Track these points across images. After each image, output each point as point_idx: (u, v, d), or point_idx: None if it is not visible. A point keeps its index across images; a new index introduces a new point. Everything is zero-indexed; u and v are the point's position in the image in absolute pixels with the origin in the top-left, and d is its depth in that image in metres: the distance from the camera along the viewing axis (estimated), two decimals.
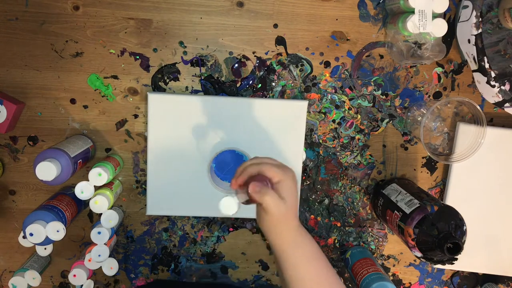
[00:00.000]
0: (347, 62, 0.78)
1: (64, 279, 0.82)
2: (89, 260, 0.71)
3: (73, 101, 0.76)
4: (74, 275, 0.71)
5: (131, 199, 0.80)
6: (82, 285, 0.72)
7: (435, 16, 0.70)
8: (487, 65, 0.72)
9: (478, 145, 0.75)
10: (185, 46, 0.75)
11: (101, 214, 0.70)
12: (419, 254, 0.67)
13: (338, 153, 0.81)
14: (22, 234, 0.73)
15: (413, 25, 0.69)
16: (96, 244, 0.71)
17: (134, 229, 0.81)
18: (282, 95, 0.78)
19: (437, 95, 0.80)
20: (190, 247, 0.82)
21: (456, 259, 0.64)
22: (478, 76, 0.75)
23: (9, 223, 0.79)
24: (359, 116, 0.80)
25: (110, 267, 0.73)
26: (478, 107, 0.73)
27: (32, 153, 0.77)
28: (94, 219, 0.80)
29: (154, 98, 0.72)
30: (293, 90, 0.78)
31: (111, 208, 0.71)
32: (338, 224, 0.83)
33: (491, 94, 0.74)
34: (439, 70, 0.79)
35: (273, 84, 0.77)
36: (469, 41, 0.73)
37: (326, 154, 0.80)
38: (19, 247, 0.79)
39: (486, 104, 0.81)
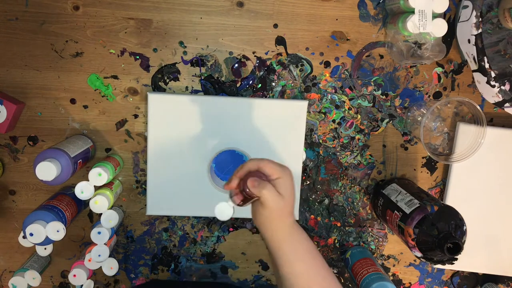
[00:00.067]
0: (347, 62, 0.78)
1: (64, 279, 0.82)
2: (89, 260, 0.71)
3: (73, 101, 0.76)
4: (74, 275, 0.71)
5: (131, 199, 0.80)
6: (82, 285, 0.72)
7: (435, 16, 0.70)
8: (487, 65, 0.72)
9: (478, 145, 0.75)
10: (185, 46, 0.75)
11: (101, 214, 0.70)
12: (419, 254, 0.67)
13: (338, 153, 0.81)
14: (22, 234, 0.73)
15: (413, 25, 0.69)
16: (96, 244, 0.71)
17: (134, 229, 0.81)
18: (282, 95, 0.78)
19: (437, 95, 0.80)
20: (190, 247, 0.82)
21: (456, 259, 0.64)
22: (478, 76, 0.75)
23: (9, 223, 0.79)
24: (359, 116, 0.80)
25: (110, 267, 0.73)
26: (478, 107, 0.73)
27: (32, 153, 0.77)
28: (94, 219, 0.80)
29: (154, 98, 0.72)
30: (293, 90, 0.78)
31: (111, 208, 0.71)
32: (338, 224, 0.83)
33: (491, 94, 0.74)
34: (439, 70, 0.79)
35: (273, 84, 0.77)
36: (469, 41, 0.73)
37: (326, 154, 0.80)
38: (19, 247, 0.79)
39: (486, 104, 0.81)
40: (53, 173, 0.63)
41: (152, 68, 0.76)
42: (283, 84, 0.78)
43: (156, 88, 0.76)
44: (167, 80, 0.76)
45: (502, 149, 0.79)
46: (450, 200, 0.80)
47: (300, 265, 0.54)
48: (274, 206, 0.52)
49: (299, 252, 0.54)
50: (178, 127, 0.73)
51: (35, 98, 0.75)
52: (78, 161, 0.69)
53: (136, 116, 0.77)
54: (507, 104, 0.74)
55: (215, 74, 0.77)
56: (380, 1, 0.76)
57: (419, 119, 0.76)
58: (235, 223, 0.82)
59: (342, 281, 0.86)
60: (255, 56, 0.76)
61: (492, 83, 0.73)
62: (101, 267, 0.73)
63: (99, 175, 0.67)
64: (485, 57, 0.72)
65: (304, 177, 0.81)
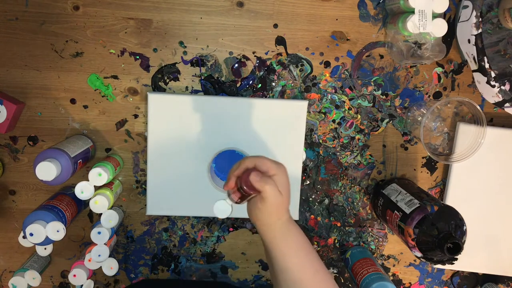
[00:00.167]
0: (347, 62, 0.78)
1: (64, 279, 0.82)
2: (89, 260, 0.71)
3: (73, 101, 0.76)
4: (74, 275, 0.71)
5: (131, 199, 0.80)
6: (82, 285, 0.72)
7: (435, 16, 0.70)
8: (487, 65, 0.72)
9: (478, 145, 0.75)
10: (185, 46, 0.75)
11: (101, 214, 0.70)
12: (419, 254, 0.67)
13: (338, 153, 0.81)
14: (22, 234, 0.73)
15: (413, 25, 0.69)
16: (96, 244, 0.71)
17: (134, 229, 0.81)
18: (282, 95, 0.78)
19: (437, 95, 0.80)
20: (190, 247, 0.82)
21: (456, 259, 0.64)
22: (478, 76, 0.75)
23: (9, 223, 0.79)
24: (359, 116, 0.80)
25: (110, 267, 0.73)
26: (478, 107, 0.73)
27: (32, 153, 0.77)
28: (94, 219, 0.80)
29: (154, 98, 0.72)
30: (293, 90, 0.78)
31: (111, 208, 0.71)
32: (338, 224, 0.83)
33: (491, 94, 0.74)
34: (439, 70, 0.79)
35: (273, 84, 0.78)
36: (469, 41, 0.73)
37: (326, 154, 0.80)
38: (19, 247, 0.79)
39: (486, 104, 0.81)
40: (53, 173, 0.63)
41: (152, 68, 0.76)
42: (283, 84, 0.78)
43: (156, 88, 0.76)
44: (167, 80, 0.76)
45: (502, 149, 0.79)
46: (450, 200, 0.80)
47: (293, 259, 0.55)
48: (274, 201, 0.53)
49: (293, 247, 0.56)
50: (178, 127, 0.73)
51: (35, 98, 0.75)
52: (78, 161, 0.69)
53: (136, 116, 0.77)
54: (507, 104, 0.74)
55: (215, 74, 0.77)
56: (380, 1, 0.76)
57: (419, 119, 0.76)
58: (235, 223, 0.82)
59: (342, 281, 0.86)
60: (255, 56, 0.76)
61: (492, 83, 0.73)
62: (101, 267, 0.73)
63: (99, 175, 0.67)
64: (485, 57, 0.72)
65: (304, 177, 0.81)
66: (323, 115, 0.79)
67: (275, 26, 0.76)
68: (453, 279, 0.86)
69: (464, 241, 0.66)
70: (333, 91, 0.78)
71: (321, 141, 0.80)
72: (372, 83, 0.79)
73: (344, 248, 0.84)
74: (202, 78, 0.77)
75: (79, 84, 0.75)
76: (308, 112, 0.79)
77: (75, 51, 0.74)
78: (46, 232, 0.65)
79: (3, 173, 0.77)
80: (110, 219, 0.70)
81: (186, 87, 0.77)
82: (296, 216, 0.78)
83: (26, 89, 0.75)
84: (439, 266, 0.85)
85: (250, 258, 0.84)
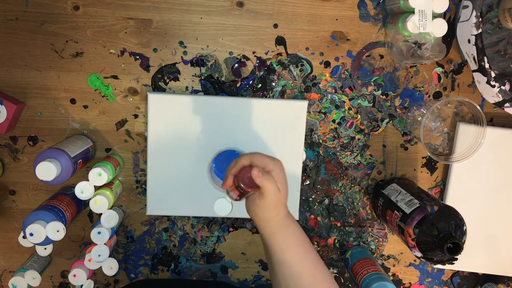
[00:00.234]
0: (347, 62, 0.78)
1: (64, 279, 0.82)
2: (89, 260, 0.71)
3: (73, 101, 0.76)
4: (74, 275, 0.71)
5: (131, 199, 0.80)
6: (82, 285, 0.72)
7: (435, 16, 0.70)
8: (487, 65, 0.72)
9: (478, 145, 0.75)
10: (185, 46, 0.75)
11: (101, 214, 0.70)
12: (419, 254, 0.67)
13: (338, 153, 0.81)
14: (22, 234, 0.73)
15: (413, 25, 0.69)
16: (96, 244, 0.71)
17: (134, 229, 0.81)
18: (282, 95, 0.78)
19: (437, 95, 0.80)
20: (190, 247, 0.82)
21: (456, 259, 0.64)
22: (478, 76, 0.75)
23: (9, 223, 0.79)
24: (359, 116, 0.80)
25: (110, 267, 0.73)
26: (478, 107, 0.73)
27: (32, 153, 0.77)
28: (94, 219, 0.80)
29: (154, 98, 0.72)
30: (293, 90, 0.78)
31: (111, 208, 0.71)
32: (338, 224, 0.83)
33: (491, 94, 0.74)
34: (439, 70, 0.79)
35: (273, 84, 0.77)
36: (469, 41, 0.73)
37: (326, 154, 0.80)
38: (19, 247, 0.79)
39: (486, 104, 0.81)
40: (53, 173, 0.63)
41: (152, 68, 0.76)
42: (283, 84, 0.78)
43: (156, 88, 0.76)
44: (167, 80, 0.76)
45: (502, 149, 0.79)
46: (450, 200, 0.80)
47: (291, 253, 0.55)
48: (273, 198, 0.53)
49: (291, 241, 0.56)
50: (178, 127, 0.73)
51: (35, 98, 0.75)
52: (78, 161, 0.69)
53: (136, 116, 0.77)
54: (507, 104, 0.74)
55: (215, 74, 0.77)
56: (380, 1, 0.76)
57: (419, 119, 0.76)
58: (235, 223, 0.82)
59: (342, 281, 0.86)
60: (255, 56, 0.76)
61: (492, 83, 0.73)
62: (101, 267, 0.73)
63: (99, 175, 0.67)
64: (485, 57, 0.72)
65: (304, 177, 0.81)
66: (323, 115, 0.79)
67: (275, 26, 0.76)
68: (453, 279, 0.86)
69: (464, 241, 0.66)
70: (333, 91, 0.78)
71: (321, 141, 0.80)
72: (372, 83, 0.79)
73: (344, 248, 0.84)
74: (202, 78, 0.77)
75: (79, 84, 0.75)
76: (308, 112, 0.79)
77: (75, 51, 0.74)
78: (46, 232, 0.65)
79: (3, 173, 0.77)
80: (110, 219, 0.70)
81: (186, 87, 0.77)
82: (296, 216, 0.78)
83: (26, 89, 0.75)
84: (439, 266, 0.85)
85: (250, 258, 0.84)
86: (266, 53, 0.77)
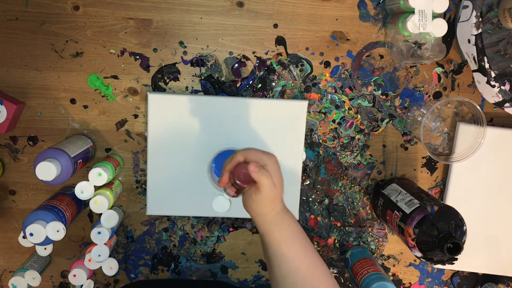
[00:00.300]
0: (347, 62, 0.78)
1: (64, 279, 0.82)
2: (89, 260, 0.71)
3: (73, 101, 0.76)
4: (74, 275, 0.71)
5: (131, 199, 0.80)
6: (82, 285, 0.72)
7: (435, 16, 0.70)
8: (487, 65, 0.72)
9: (478, 145, 0.75)
10: (185, 46, 0.75)
11: (101, 214, 0.70)
12: (419, 254, 0.67)
13: (338, 153, 0.81)
14: (22, 234, 0.73)
15: (413, 25, 0.69)
16: (96, 244, 0.71)
17: (134, 229, 0.81)
18: (282, 95, 0.78)
19: (437, 95, 0.80)
20: (190, 247, 0.82)
21: (456, 259, 0.64)
22: (478, 76, 0.75)
23: (9, 223, 0.79)
24: (359, 116, 0.80)
25: (110, 267, 0.73)
26: (478, 107, 0.73)
27: (32, 153, 0.77)
28: (94, 219, 0.80)
29: (154, 98, 0.72)
30: (293, 90, 0.78)
31: (111, 208, 0.71)
32: (338, 224, 0.83)
33: (491, 94, 0.74)
34: (439, 70, 0.79)
35: (273, 84, 0.78)
36: (469, 41, 0.73)
37: (326, 154, 0.80)
38: (19, 247, 0.79)
39: (486, 104, 0.81)
40: (53, 173, 0.63)
41: (152, 68, 0.76)
42: (283, 84, 0.78)
43: (156, 88, 0.76)
44: (167, 80, 0.76)
45: (502, 149, 0.79)
46: (450, 200, 0.80)
47: (288, 248, 0.56)
48: (269, 193, 0.54)
49: (287, 235, 0.56)
50: (178, 127, 0.73)
51: (35, 98, 0.75)
52: (78, 161, 0.69)
53: (136, 116, 0.77)
54: (507, 104, 0.74)
55: (215, 74, 0.77)
56: (380, 1, 0.76)
57: (419, 119, 0.76)
58: (235, 223, 0.82)
59: (342, 281, 0.86)
60: (255, 56, 0.76)
61: (492, 83, 0.73)
62: (101, 267, 0.73)
63: (99, 175, 0.67)
64: (485, 57, 0.72)
65: (304, 177, 0.81)
66: (323, 115, 0.79)
67: (275, 26, 0.76)
68: (453, 279, 0.86)
69: (464, 241, 0.66)
70: (333, 91, 0.78)
71: (321, 141, 0.80)
72: (372, 83, 0.79)
73: (344, 248, 0.84)
74: (202, 78, 0.77)
75: (79, 84, 0.75)
76: (308, 112, 0.79)
77: (75, 51, 0.74)
78: (46, 232, 0.65)
79: (3, 173, 0.77)
80: (110, 219, 0.70)
81: (186, 87, 0.77)
82: (296, 216, 0.78)
83: (26, 89, 0.75)
84: (439, 266, 0.85)
85: (250, 258, 0.84)
86: (266, 53, 0.77)
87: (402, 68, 0.79)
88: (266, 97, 0.78)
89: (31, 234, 0.64)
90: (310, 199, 0.82)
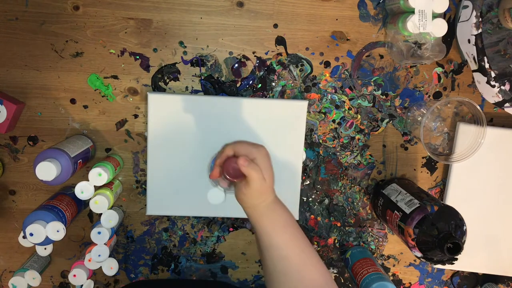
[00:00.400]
0: (347, 62, 0.78)
1: (64, 279, 0.82)
2: (89, 260, 0.71)
3: (73, 101, 0.76)
4: (74, 275, 0.71)
5: (131, 199, 0.80)
6: (82, 285, 0.72)
7: (435, 16, 0.70)
8: (487, 65, 0.72)
9: (478, 145, 0.75)
10: (185, 46, 0.75)
11: (101, 214, 0.70)
12: (419, 254, 0.67)
13: (338, 153, 0.81)
14: (22, 234, 0.73)
15: (413, 25, 0.69)
16: (96, 244, 0.71)
17: (134, 229, 0.81)
18: (282, 95, 0.78)
19: (437, 95, 0.80)
20: (190, 247, 0.82)
21: (456, 259, 0.64)
22: (478, 76, 0.75)
23: (9, 223, 0.79)
24: (359, 116, 0.80)
25: (110, 267, 0.73)
26: (478, 107, 0.73)
27: (32, 153, 0.77)
28: (94, 219, 0.80)
29: (154, 98, 0.72)
30: (293, 90, 0.78)
31: (111, 208, 0.71)
32: (338, 224, 0.83)
33: (491, 94, 0.74)
34: (439, 70, 0.79)
35: (273, 84, 0.78)
36: (469, 41, 0.73)
37: (326, 154, 0.80)
38: (19, 247, 0.79)
39: (486, 104, 0.81)
40: (53, 173, 0.63)
41: (152, 68, 0.76)
42: (283, 84, 0.78)
43: (156, 88, 0.76)
44: (167, 80, 0.76)
45: (502, 149, 0.79)
46: (450, 200, 0.80)
47: (278, 237, 0.56)
48: (258, 187, 0.54)
49: (278, 225, 0.56)
50: (178, 127, 0.73)
51: (35, 98, 0.75)
52: (78, 161, 0.69)
53: (136, 116, 0.77)
54: (507, 104, 0.74)
55: (215, 74, 0.77)
56: (380, 1, 0.76)
57: (419, 119, 0.76)
58: (235, 223, 0.82)
59: (342, 281, 0.86)
60: (255, 56, 0.76)
61: (492, 83, 0.73)
62: (101, 267, 0.73)
63: (99, 175, 0.67)
64: (485, 57, 0.72)
65: (304, 177, 0.81)
66: (323, 115, 0.79)
67: (275, 26, 0.76)
68: (453, 279, 0.86)
69: (464, 241, 0.66)
70: (333, 91, 0.78)
71: (321, 141, 0.80)
72: (372, 83, 0.79)
73: (344, 248, 0.84)
74: (202, 78, 0.77)
75: (79, 84, 0.75)
76: (308, 112, 0.79)
77: (75, 51, 0.74)
78: (46, 232, 0.65)
79: (3, 173, 0.77)
80: (110, 219, 0.70)
81: (186, 87, 0.77)
82: (296, 216, 0.78)
83: (26, 89, 0.75)
84: (439, 266, 0.85)
85: (250, 258, 0.84)
86: (266, 53, 0.77)
87: (402, 68, 0.79)
88: (266, 97, 0.78)
89: (31, 234, 0.64)
90: (310, 199, 0.82)
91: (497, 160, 0.80)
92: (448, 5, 0.69)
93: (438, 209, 0.66)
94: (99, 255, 0.71)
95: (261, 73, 0.77)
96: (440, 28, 0.70)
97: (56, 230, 0.65)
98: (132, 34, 0.74)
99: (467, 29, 0.73)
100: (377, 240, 0.84)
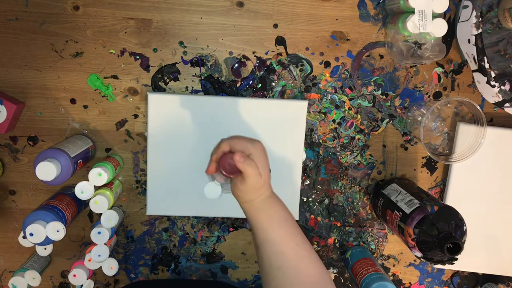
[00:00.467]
0: (347, 62, 0.78)
1: (64, 279, 0.82)
2: (89, 260, 0.71)
3: (73, 101, 0.76)
4: (74, 275, 0.71)
5: (131, 199, 0.80)
6: (82, 285, 0.72)
7: (435, 16, 0.70)
8: (487, 65, 0.72)
9: (478, 145, 0.75)
10: (185, 46, 0.75)
11: (101, 214, 0.70)
12: (419, 254, 0.67)
13: (338, 153, 0.81)
14: (22, 234, 0.73)
15: (413, 25, 0.69)
16: (96, 244, 0.71)
17: (134, 229, 0.81)
18: (282, 95, 0.78)
19: (437, 95, 0.80)
20: (190, 247, 0.82)
21: (456, 259, 0.64)
22: (478, 76, 0.75)
23: (9, 223, 0.79)
24: (359, 116, 0.80)
25: (110, 267, 0.73)
26: (478, 107, 0.73)
27: (32, 153, 0.77)
28: (94, 219, 0.80)
29: (154, 98, 0.72)
30: (293, 90, 0.78)
31: (111, 208, 0.71)
32: (338, 224, 0.83)
33: (491, 94, 0.74)
34: (439, 70, 0.79)
35: (273, 84, 0.78)
36: (469, 41, 0.73)
37: (326, 154, 0.80)
38: (19, 247, 0.79)
39: (486, 104, 0.81)
40: (53, 173, 0.63)
41: (152, 68, 0.76)
42: (283, 84, 0.78)
43: (156, 88, 0.76)
44: (167, 80, 0.76)
45: (502, 149, 0.79)
46: (450, 200, 0.80)
47: (274, 232, 0.56)
48: (254, 183, 0.54)
49: (274, 221, 0.56)
50: (178, 127, 0.73)
51: (35, 98, 0.75)
52: (78, 161, 0.69)
53: (136, 116, 0.77)
54: (507, 104, 0.74)
55: (215, 74, 0.77)
56: (380, 1, 0.76)
57: (419, 119, 0.76)
58: (235, 223, 0.82)
59: (342, 281, 0.86)
60: (255, 56, 0.76)
61: (492, 83, 0.73)
62: (101, 267, 0.73)
63: (99, 175, 0.67)
64: (485, 57, 0.72)
65: (304, 177, 0.81)
66: (323, 115, 0.79)
67: (275, 26, 0.76)
68: (453, 279, 0.86)
69: (464, 241, 0.66)
70: (333, 91, 0.78)
71: (321, 141, 0.80)
72: (372, 83, 0.79)
73: (344, 248, 0.84)
74: (202, 78, 0.77)
75: (79, 84, 0.75)
76: (308, 112, 0.79)
77: (75, 51, 0.74)
78: (46, 232, 0.65)
79: (3, 173, 0.77)
80: (110, 219, 0.70)
81: (186, 87, 0.77)
82: (296, 216, 0.78)
83: (26, 89, 0.75)
84: (439, 266, 0.85)
85: (250, 258, 0.84)
86: (266, 53, 0.77)
87: (402, 68, 0.79)
88: (266, 97, 0.78)
89: (31, 234, 0.64)
90: (310, 199, 0.82)
91: (497, 160, 0.80)
92: (448, 5, 0.69)
93: (438, 209, 0.66)
94: (99, 255, 0.71)
95: (261, 73, 0.77)
96: (440, 28, 0.70)
97: (56, 230, 0.65)
98: (132, 34, 0.74)
99: (467, 29, 0.73)
100: (377, 240, 0.84)
